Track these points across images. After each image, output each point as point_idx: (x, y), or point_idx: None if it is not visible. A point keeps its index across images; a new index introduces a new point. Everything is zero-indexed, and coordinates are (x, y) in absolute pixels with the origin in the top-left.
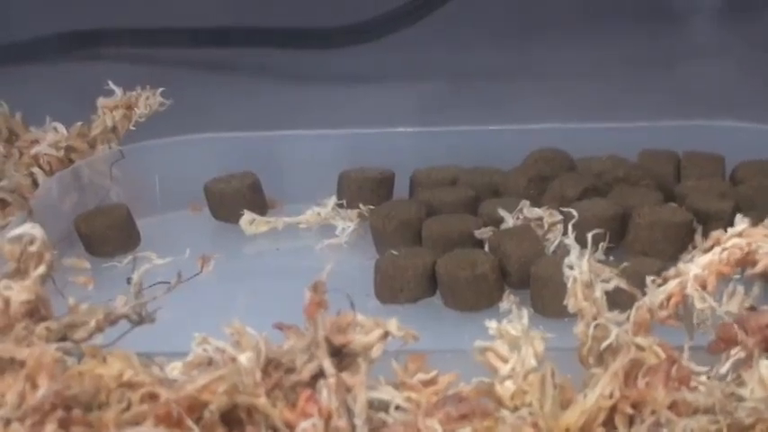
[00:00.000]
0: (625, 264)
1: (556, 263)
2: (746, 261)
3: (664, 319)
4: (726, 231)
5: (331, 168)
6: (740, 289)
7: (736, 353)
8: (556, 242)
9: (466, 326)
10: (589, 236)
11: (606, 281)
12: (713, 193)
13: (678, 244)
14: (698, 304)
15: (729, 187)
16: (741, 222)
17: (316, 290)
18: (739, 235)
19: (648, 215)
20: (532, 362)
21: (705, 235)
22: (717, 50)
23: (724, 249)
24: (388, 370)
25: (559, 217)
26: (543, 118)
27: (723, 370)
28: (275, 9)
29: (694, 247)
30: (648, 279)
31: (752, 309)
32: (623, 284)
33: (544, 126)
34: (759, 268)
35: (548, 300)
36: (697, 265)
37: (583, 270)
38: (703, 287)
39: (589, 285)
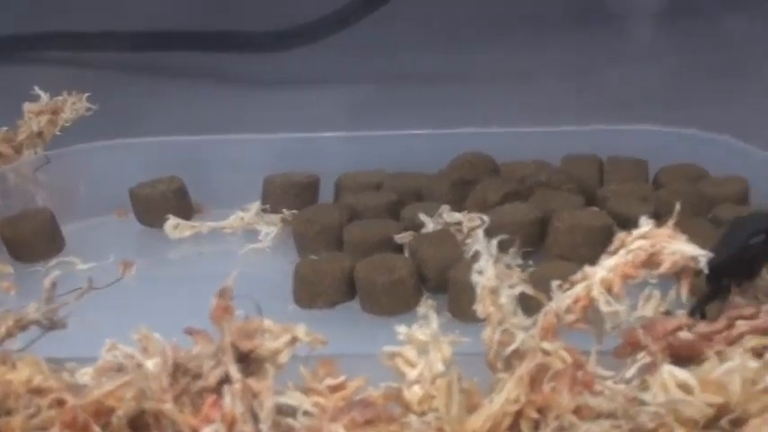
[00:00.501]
0: (533, 269)
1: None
2: (651, 262)
3: (571, 323)
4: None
5: (257, 173)
6: (656, 293)
7: (642, 358)
8: (475, 246)
9: (383, 330)
10: (495, 241)
11: (513, 286)
12: (634, 198)
13: (598, 248)
14: (604, 308)
15: (651, 191)
16: (646, 224)
17: (222, 295)
18: (644, 237)
19: (568, 219)
20: (440, 367)
21: None
22: (644, 56)
23: (629, 251)
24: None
25: (479, 221)
26: (469, 122)
27: (629, 375)
28: (205, 13)
29: None
30: (554, 284)
31: (667, 313)
32: (529, 290)
33: (469, 130)
34: (663, 269)
35: (465, 304)
36: (603, 268)
37: (489, 276)
38: (609, 290)
39: (495, 291)
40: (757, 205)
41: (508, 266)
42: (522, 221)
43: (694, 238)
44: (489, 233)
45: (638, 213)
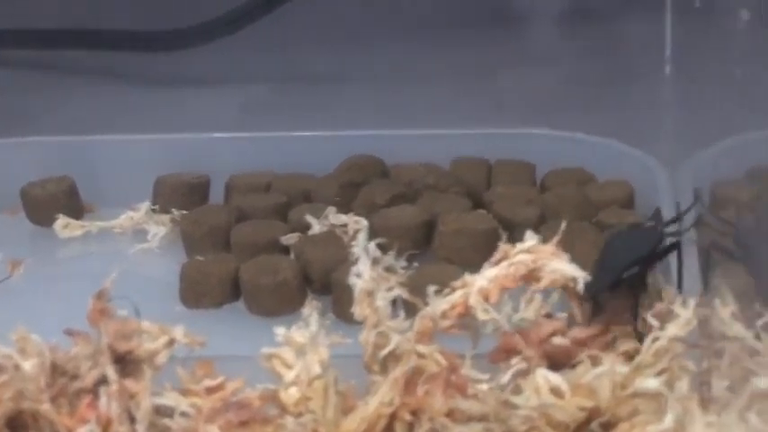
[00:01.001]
0: (410, 272)
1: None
2: (531, 277)
3: (447, 328)
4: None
5: (149, 173)
6: (538, 296)
7: (517, 363)
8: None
9: (267, 332)
10: (373, 244)
11: (390, 289)
12: (520, 201)
13: (484, 251)
14: (481, 316)
15: (537, 195)
16: (531, 238)
17: (99, 297)
18: (527, 251)
19: (453, 222)
20: (317, 369)
21: (511, 242)
22: (535, 60)
23: (511, 264)
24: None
25: (365, 223)
26: (362, 124)
27: (504, 379)
28: (97, 12)
29: None
30: (431, 289)
31: (548, 316)
32: (405, 294)
33: (360, 132)
34: (542, 285)
35: (347, 306)
36: (483, 278)
37: (366, 278)
38: (486, 299)
39: (371, 294)
40: (642, 209)
41: (389, 269)
42: (409, 224)
43: (579, 242)
44: (376, 235)
45: (523, 217)
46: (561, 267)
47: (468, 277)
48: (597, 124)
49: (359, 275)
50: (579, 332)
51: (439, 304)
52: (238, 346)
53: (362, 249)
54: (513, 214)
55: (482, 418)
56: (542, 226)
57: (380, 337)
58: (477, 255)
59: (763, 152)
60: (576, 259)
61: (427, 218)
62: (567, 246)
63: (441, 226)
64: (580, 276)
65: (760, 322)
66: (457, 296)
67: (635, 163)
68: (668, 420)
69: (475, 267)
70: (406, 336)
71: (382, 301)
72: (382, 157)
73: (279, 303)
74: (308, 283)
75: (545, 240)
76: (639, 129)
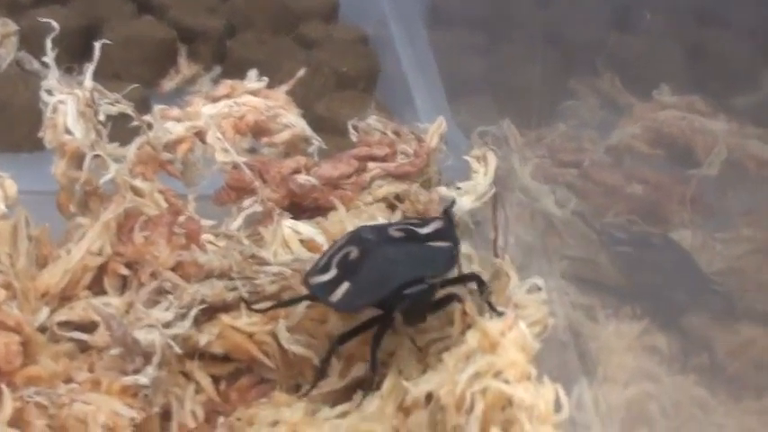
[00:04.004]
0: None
1: (14, 84)
2: (262, 128)
3: (167, 163)
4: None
5: None
6: None
7: (252, 205)
8: (10, 57)
9: None
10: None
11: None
12: (201, 8)
13: (157, 66)
14: (220, 157)
15: (220, 1)
16: (257, 79)
17: None
18: (255, 93)
19: (121, 29)
20: (2, 206)
21: (191, 57)
22: None
23: (237, 104)
24: None
25: (14, 27)
26: None
27: (235, 225)
28: None
29: (177, 72)
30: (157, 108)
31: None
32: (130, 111)
33: None
34: (277, 141)
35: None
36: (210, 114)
37: (76, 94)
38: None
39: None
40: (347, 20)
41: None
42: (64, 29)
43: (278, 57)
44: (26, 41)
45: (206, 27)
46: (296, 123)
47: (190, 109)
48: None
49: (51, 92)
50: (329, 169)
51: (163, 133)
52: None
53: (50, 58)
54: (193, 23)
55: (222, 275)
56: (231, 39)
57: (78, 171)
58: (149, 70)
59: None
60: (283, 80)
61: (84, 22)
62: (273, 65)
63: (107, 33)
64: (312, 136)
65: None
66: (184, 128)
67: None
68: None
69: (146, 84)
70: (121, 166)
71: (84, 121)
72: None
73: None
74: None
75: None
76: None
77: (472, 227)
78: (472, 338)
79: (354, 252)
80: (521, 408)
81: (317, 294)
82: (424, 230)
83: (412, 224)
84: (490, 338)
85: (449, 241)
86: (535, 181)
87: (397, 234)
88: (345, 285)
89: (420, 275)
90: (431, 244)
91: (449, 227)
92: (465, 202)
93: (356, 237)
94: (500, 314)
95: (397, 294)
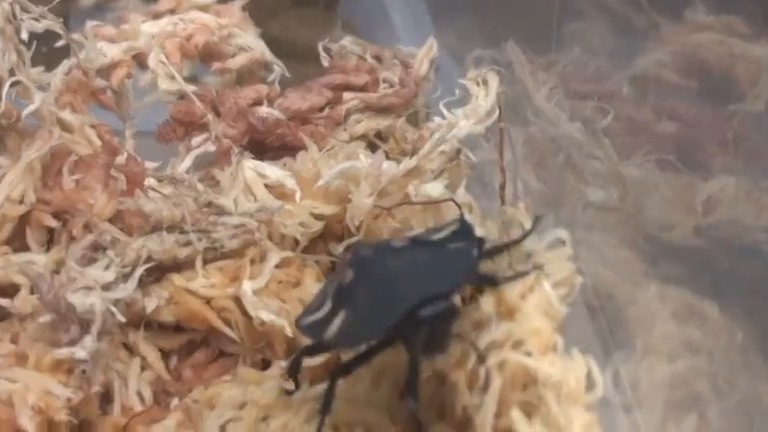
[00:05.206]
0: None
1: None
2: (213, 51)
3: (100, 92)
4: None
5: None
6: None
7: (203, 142)
8: None
9: None
10: None
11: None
12: None
13: None
14: (164, 85)
15: None
16: None
17: None
18: (202, 8)
19: None
20: None
21: None
22: None
23: (184, 21)
24: None
25: None
26: None
27: (183, 167)
28: None
29: None
30: (90, 25)
31: None
32: (58, 28)
33: None
34: (232, 66)
35: None
36: (151, 33)
37: None
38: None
39: (4, 31)
40: None
41: None
42: None
43: None
44: None
45: None
46: (254, 45)
47: (126, 29)
48: None
49: None
50: (296, 100)
51: (96, 55)
52: None
53: None
54: None
55: (173, 227)
56: None
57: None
58: None
59: None
60: None
61: None
62: None
63: None
64: (275, 62)
65: None
66: (121, 50)
67: None
68: None
69: None
70: (47, 95)
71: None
72: None
73: None
74: None
75: None
76: None
77: (473, 159)
78: (486, 303)
79: (349, 274)
80: (546, 385)
81: (309, 336)
82: (437, 236)
83: (422, 234)
84: (508, 302)
85: (466, 241)
86: (553, 105)
87: (399, 243)
88: (341, 315)
89: (436, 290)
90: (442, 247)
91: (465, 226)
92: (463, 127)
93: (352, 257)
94: (519, 275)
95: (411, 318)
